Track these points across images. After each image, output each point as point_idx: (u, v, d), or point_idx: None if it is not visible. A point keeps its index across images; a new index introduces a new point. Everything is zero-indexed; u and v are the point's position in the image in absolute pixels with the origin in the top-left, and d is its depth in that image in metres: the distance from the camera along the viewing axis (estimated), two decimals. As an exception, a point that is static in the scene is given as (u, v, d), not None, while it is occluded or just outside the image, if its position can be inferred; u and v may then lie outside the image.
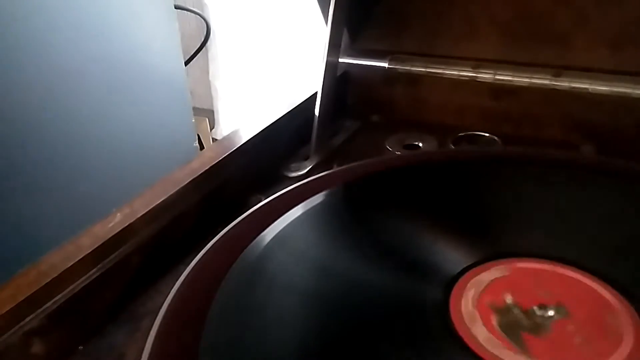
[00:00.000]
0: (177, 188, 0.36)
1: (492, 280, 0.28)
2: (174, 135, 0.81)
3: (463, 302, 0.27)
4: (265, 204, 0.35)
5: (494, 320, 0.26)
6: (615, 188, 0.36)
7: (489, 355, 0.24)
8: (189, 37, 1.00)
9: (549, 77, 0.46)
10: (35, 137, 0.61)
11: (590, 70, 0.45)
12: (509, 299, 0.27)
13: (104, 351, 0.29)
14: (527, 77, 0.47)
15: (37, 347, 0.28)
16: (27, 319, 0.27)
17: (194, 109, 0.88)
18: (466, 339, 0.25)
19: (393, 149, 0.47)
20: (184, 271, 0.29)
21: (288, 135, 0.47)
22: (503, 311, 0.27)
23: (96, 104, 0.67)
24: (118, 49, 0.69)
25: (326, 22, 0.48)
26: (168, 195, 0.35)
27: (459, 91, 0.51)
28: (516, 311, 0.27)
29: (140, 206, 0.34)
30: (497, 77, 0.48)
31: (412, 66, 0.52)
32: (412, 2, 0.52)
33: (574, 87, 0.45)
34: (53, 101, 0.62)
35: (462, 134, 0.48)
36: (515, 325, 0.26)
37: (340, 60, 0.52)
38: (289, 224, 0.32)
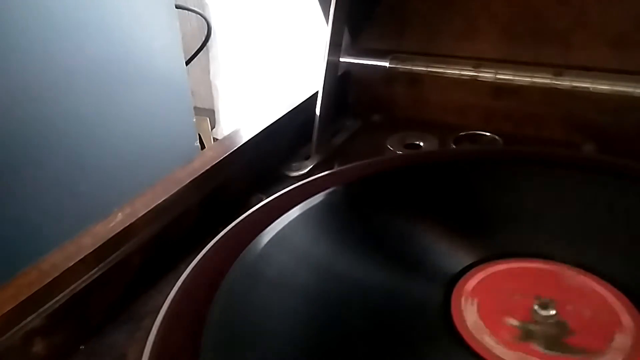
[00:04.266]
0: (178, 188, 0.36)
1: (478, 313, 0.27)
2: (175, 134, 0.81)
3: (496, 351, 0.25)
4: (266, 203, 0.35)
5: (537, 347, 0.25)
6: (615, 187, 0.35)
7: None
8: (190, 37, 1.00)
9: (550, 76, 0.46)
10: (36, 137, 0.61)
11: (591, 69, 0.45)
12: (513, 322, 0.26)
13: (104, 351, 0.29)
14: (528, 76, 0.47)
15: (38, 347, 0.28)
16: (28, 318, 0.27)
17: (195, 108, 0.88)
18: None
19: (394, 148, 0.47)
20: (184, 271, 0.29)
21: (289, 135, 0.47)
22: (529, 335, 0.25)
23: (97, 104, 0.67)
24: (119, 49, 0.69)
25: (327, 22, 0.48)
26: (169, 194, 0.35)
27: (460, 90, 0.51)
28: (534, 327, 0.26)
29: (141, 206, 0.34)
30: (498, 76, 0.48)
31: (413, 65, 0.52)
32: (413, 1, 0.52)
33: (575, 86, 0.45)
34: (54, 101, 0.62)
35: (463, 133, 0.48)
36: (553, 339, 0.25)
37: (341, 59, 0.52)
38: (289, 224, 0.32)
